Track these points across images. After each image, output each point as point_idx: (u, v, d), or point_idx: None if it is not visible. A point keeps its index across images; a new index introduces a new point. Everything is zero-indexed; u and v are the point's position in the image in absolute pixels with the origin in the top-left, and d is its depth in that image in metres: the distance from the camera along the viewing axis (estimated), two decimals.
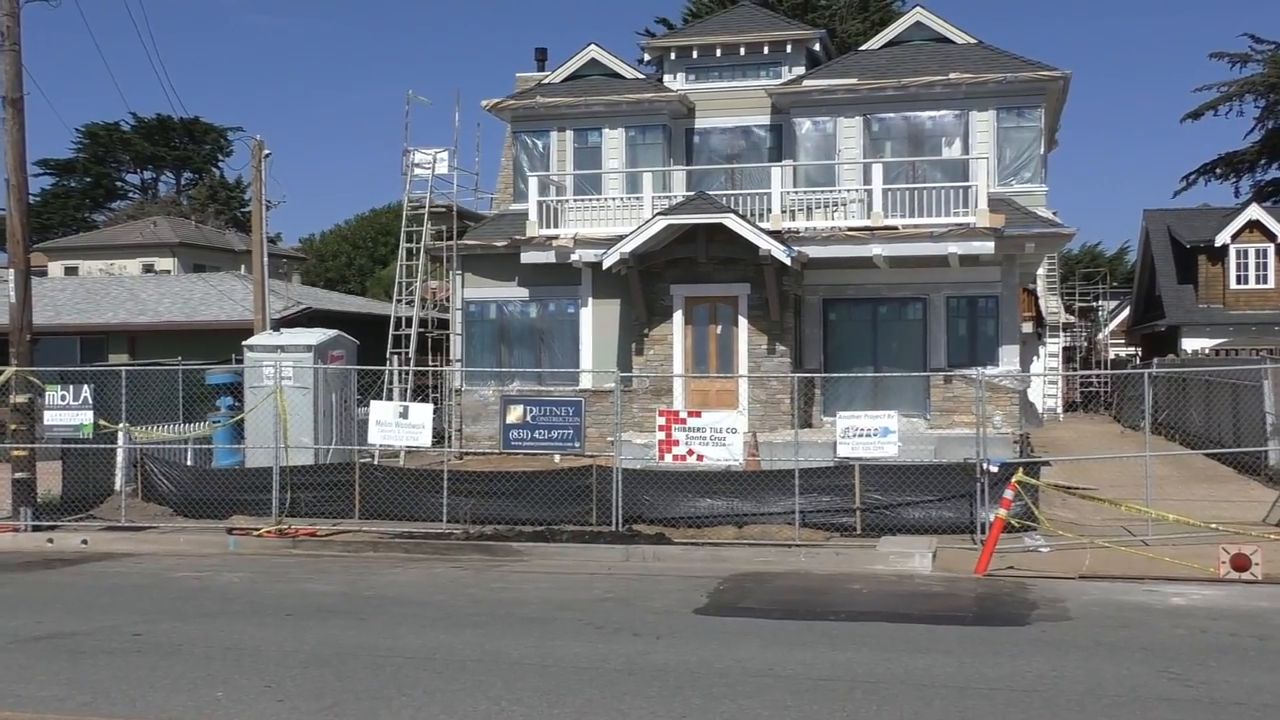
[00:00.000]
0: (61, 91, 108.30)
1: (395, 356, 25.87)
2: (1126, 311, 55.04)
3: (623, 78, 27.39)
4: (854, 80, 25.20)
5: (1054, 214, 24.58)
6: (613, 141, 26.73)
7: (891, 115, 25.40)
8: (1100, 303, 56.61)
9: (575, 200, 25.88)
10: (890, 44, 26.64)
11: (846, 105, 25.32)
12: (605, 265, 23.44)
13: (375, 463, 19.35)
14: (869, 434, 16.29)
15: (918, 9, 26.93)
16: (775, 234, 22.80)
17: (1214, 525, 14.67)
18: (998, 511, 14.18)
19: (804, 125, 25.67)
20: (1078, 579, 13.24)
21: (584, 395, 21.12)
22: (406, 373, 24.87)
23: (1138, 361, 44.95)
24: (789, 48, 26.60)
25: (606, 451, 18.99)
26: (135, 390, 18.20)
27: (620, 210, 25.30)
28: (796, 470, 15.94)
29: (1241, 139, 60.54)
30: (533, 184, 25.38)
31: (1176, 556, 13.68)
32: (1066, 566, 13.81)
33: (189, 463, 20.02)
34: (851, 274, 24.51)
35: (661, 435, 16.76)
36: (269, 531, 16.60)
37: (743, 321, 23.78)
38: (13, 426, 17.80)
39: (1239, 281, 40.53)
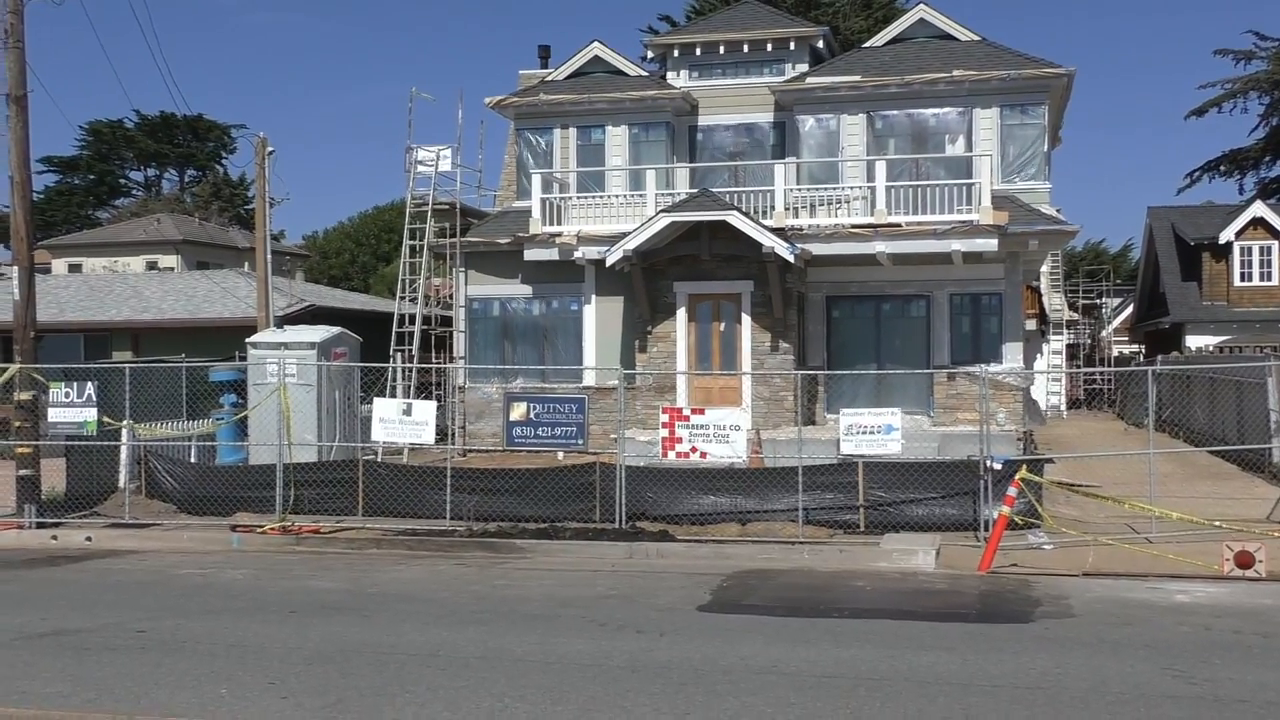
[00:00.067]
0: (65, 89, 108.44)
1: (399, 354, 25.88)
2: (1130, 309, 54.96)
3: (626, 75, 27.38)
4: (857, 77, 25.18)
5: (1058, 211, 24.57)
6: (616, 139, 26.72)
7: (895, 112, 25.38)
8: (1104, 300, 56.58)
9: (578, 198, 25.88)
10: (893, 41, 26.63)
11: (850, 102, 25.31)
12: (608, 262, 23.44)
13: (379, 460, 19.36)
14: (872, 431, 16.28)
15: (921, 6, 26.92)
16: (778, 231, 22.79)
17: (1218, 522, 14.66)
18: (1001, 509, 14.18)
19: (807, 122, 25.65)
20: (1081, 576, 13.24)
21: (587, 392, 21.12)
22: (410, 370, 24.88)
23: (1141, 359, 44.91)
24: (792, 45, 26.59)
25: (610, 449, 18.99)
26: (139, 387, 18.21)
27: (623, 208, 25.30)
28: (800, 467, 15.93)
29: (1246, 136, 60.45)
30: (536, 181, 25.38)
31: (1180, 554, 13.67)
32: (1070, 564, 13.80)
33: (193, 460, 20.04)
34: (855, 271, 24.51)
35: (665, 432, 16.76)
36: (273, 528, 16.62)
37: (746, 319, 23.77)
38: (17, 424, 17.83)
39: (1243, 279, 40.47)
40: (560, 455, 19.77)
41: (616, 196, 25.76)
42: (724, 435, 16.51)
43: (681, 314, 24.12)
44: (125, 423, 18.09)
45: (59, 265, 52.15)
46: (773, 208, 23.78)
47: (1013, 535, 14.62)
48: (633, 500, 16.41)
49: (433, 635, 10.46)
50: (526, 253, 25.19)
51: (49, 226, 63.70)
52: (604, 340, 25.78)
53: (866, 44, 27.67)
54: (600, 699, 8.32)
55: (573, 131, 27.03)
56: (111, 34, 71.63)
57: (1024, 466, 14.97)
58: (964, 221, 22.78)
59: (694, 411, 17.18)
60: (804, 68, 26.37)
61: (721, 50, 26.66)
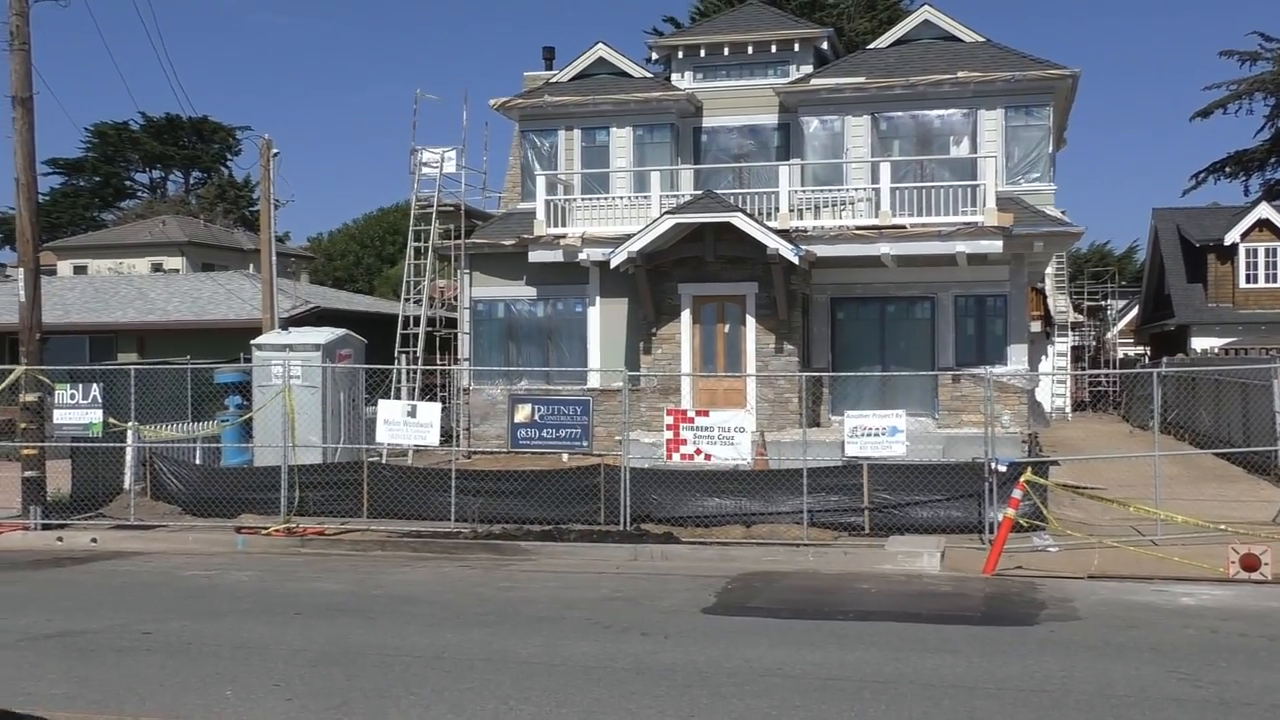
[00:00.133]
0: (70, 91, 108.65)
1: (403, 355, 25.90)
2: (1135, 311, 54.92)
3: (630, 77, 27.39)
4: (862, 79, 25.17)
5: (1062, 213, 24.52)
6: (620, 140, 26.72)
7: (899, 114, 25.36)
8: (1109, 302, 56.51)
9: (583, 199, 25.88)
10: (898, 42, 26.61)
11: (854, 104, 25.29)
12: (613, 264, 23.44)
13: (383, 462, 19.37)
14: (877, 433, 16.27)
15: (926, 7, 26.89)
16: (783, 233, 22.78)
17: (1223, 525, 14.63)
18: (1006, 511, 14.16)
19: (812, 124, 25.63)
20: (1086, 579, 13.22)
21: (592, 394, 21.15)
22: (414, 372, 24.91)
23: (1146, 361, 44.83)
24: (797, 46, 26.58)
25: (614, 450, 18.98)
26: (144, 389, 18.24)
27: (628, 209, 25.29)
28: (805, 469, 15.92)
29: (1251, 137, 60.31)
30: (540, 183, 25.39)
31: (1186, 556, 13.64)
32: (1075, 566, 13.78)
33: (197, 461, 20.06)
34: (859, 273, 24.48)
35: (669, 434, 16.76)
36: (277, 530, 16.63)
37: (750, 320, 23.77)
38: (22, 425, 17.85)
39: (1249, 280, 40.42)
40: (565, 457, 19.79)
41: (621, 198, 25.76)
42: (728, 437, 16.52)
43: (686, 316, 24.12)
44: (130, 424, 18.12)
45: (64, 267, 52.22)
46: (777, 209, 23.77)
47: (1018, 538, 14.60)
48: (637, 502, 16.40)
49: (437, 637, 10.46)
50: (531, 254, 25.20)
51: (54, 228, 63.81)
52: (608, 342, 25.77)
53: (871, 45, 27.65)
54: (605, 701, 8.32)
55: (577, 133, 27.03)
56: (116, 36, 71.79)
57: (1029, 469, 14.95)
58: (969, 223, 22.75)
59: (699, 413, 17.19)
60: (808, 69, 26.36)
61: (726, 52, 26.65)
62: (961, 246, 22.71)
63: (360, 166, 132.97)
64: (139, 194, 74.95)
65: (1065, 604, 11.87)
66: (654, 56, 28.83)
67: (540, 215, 25.11)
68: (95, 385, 18.24)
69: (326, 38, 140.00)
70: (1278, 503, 16.89)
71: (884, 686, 8.65)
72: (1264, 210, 40.55)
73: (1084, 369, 46.86)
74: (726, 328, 24.07)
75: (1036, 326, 35.70)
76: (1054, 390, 39.95)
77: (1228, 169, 56.07)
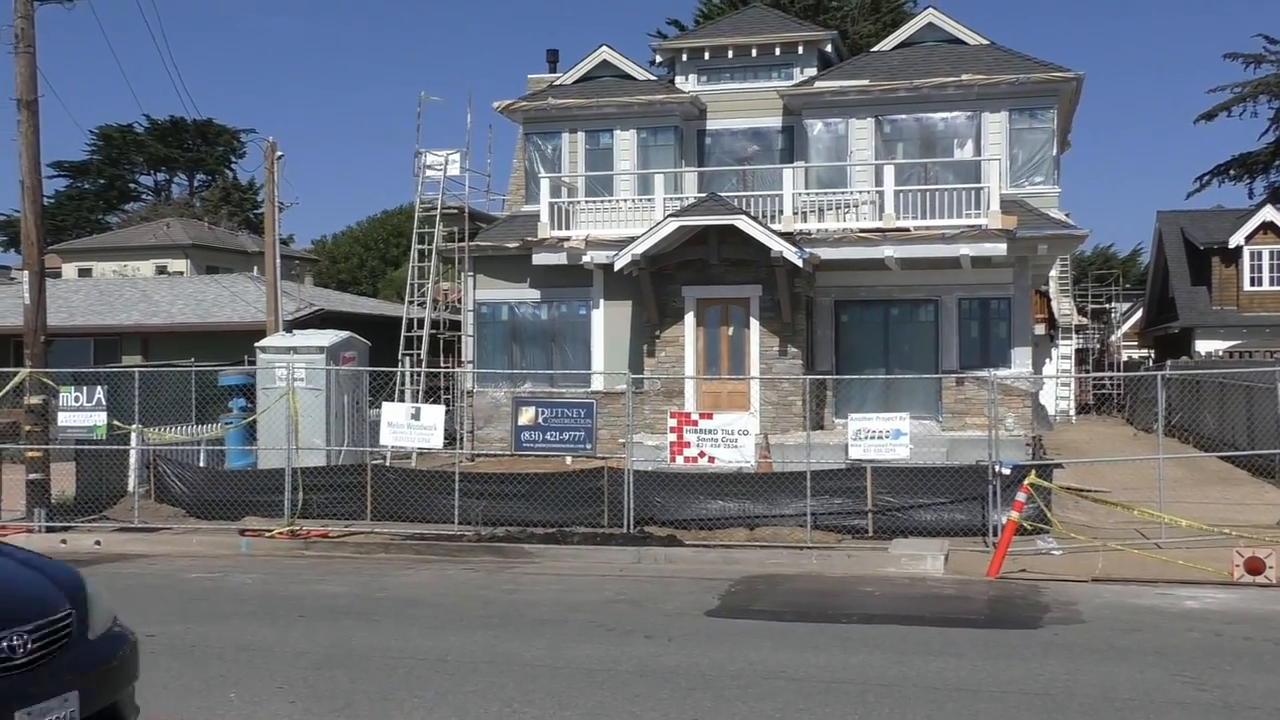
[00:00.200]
0: (75, 94, 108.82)
1: (407, 358, 25.91)
2: (1139, 313, 54.86)
3: (634, 79, 27.41)
4: (866, 81, 25.17)
5: (1066, 215, 24.51)
6: (624, 143, 26.74)
7: (903, 117, 25.37)
8: (1113, 305, 56.45)
9: (587, 202, 25.90)
10: (902, 45, 26.61)
11: (858, 106, 25.30)
12: (617, 267, 23.45)
13: (387, 464, 19.38)
14: (881, 436, 16.27)
15: (930, 10, 26.90)
16: (787, 235, 22.78)
17: (1228, 528, 14.61)
18: (1010, 514, 14.15)
19: (816, 126, 25.64)
20: (1090, 582, 13.20)
21: (595, 397, 21.11)
22: (418, 374, 24.92)
23: (1151, 364, 44.80)
24: (801, 49, 26.59)
25: (618, 453, 18.98)
26: (148, 391, 18.26)
27: (632, 212, 25.31)
28: (808, 472, 15.91)
29: (1255, 140, 60.18)
30: (544, 185, 25.40)
31: (1190, 560, 13.62)
32: (1079, 569, 13.77)
33: (202, 464, 20.08)
34: (863, 276, 24.48)
35: (673, 437, 16.76)
36: (281, 533, 16.64)
37: (754, 323, 23.77)
38: (27, 428, 17.88)
39: (1253, 283, 40.37)
40: (568, 460, 19.78)
41: (625, 201, 25.77)
42: (732, 440, 16.51)
43: (690, 318, 24.12)
44: (134, 427, 18.14)
45: (69, 269, 52.29)
46: (781, 212, 23.78)
47: (1021, 541, 14.59)
48: (641, 505, 16.40)
49: (441, 640, 10.47)
50: (535, 257, 25.21)
51: (59, 231, 63.88)
52: (612, 344, 25.79)
53: (875, 48, 27.65)
54: (608, 704, 8.32)
55: (581, 136, 27.05)
56: (121, 39, 71.88)
57: (1033, 471, 14.94)
58: (973, 226, 22.74)
59: (702, 416, 17.19)
60: (812, 72, 26.38)
61: (730, 54, 26.66)
62: (965, 249, 22.70)
63: (364, 169, 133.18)
64: (143, 197, 75.02)
65: (1069, 607, 11.86)
66: (658, 59, 28.86)
67: (544, 218, 25.12)
68: (100, 388, 18.26)
69: (330, 40, 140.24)
70: None
71: (888, 689, 8.64)
72: (1268, 213, 40.50)
73: (1088, 372, 46.77)
74: (730, 330, 24.07)
75: (1040, 329, 35.70)
76: (1058, 393, 39.92)
77: (1232, 172, 55.96)
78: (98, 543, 16.66)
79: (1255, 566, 13.01)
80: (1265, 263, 40.19)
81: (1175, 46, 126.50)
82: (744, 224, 22.59)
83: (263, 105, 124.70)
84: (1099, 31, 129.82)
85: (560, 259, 25.00)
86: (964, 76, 24.56)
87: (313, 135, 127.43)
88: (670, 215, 23.43)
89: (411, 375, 24.85)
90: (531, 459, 19.62)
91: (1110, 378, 36.50)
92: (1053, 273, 37.76)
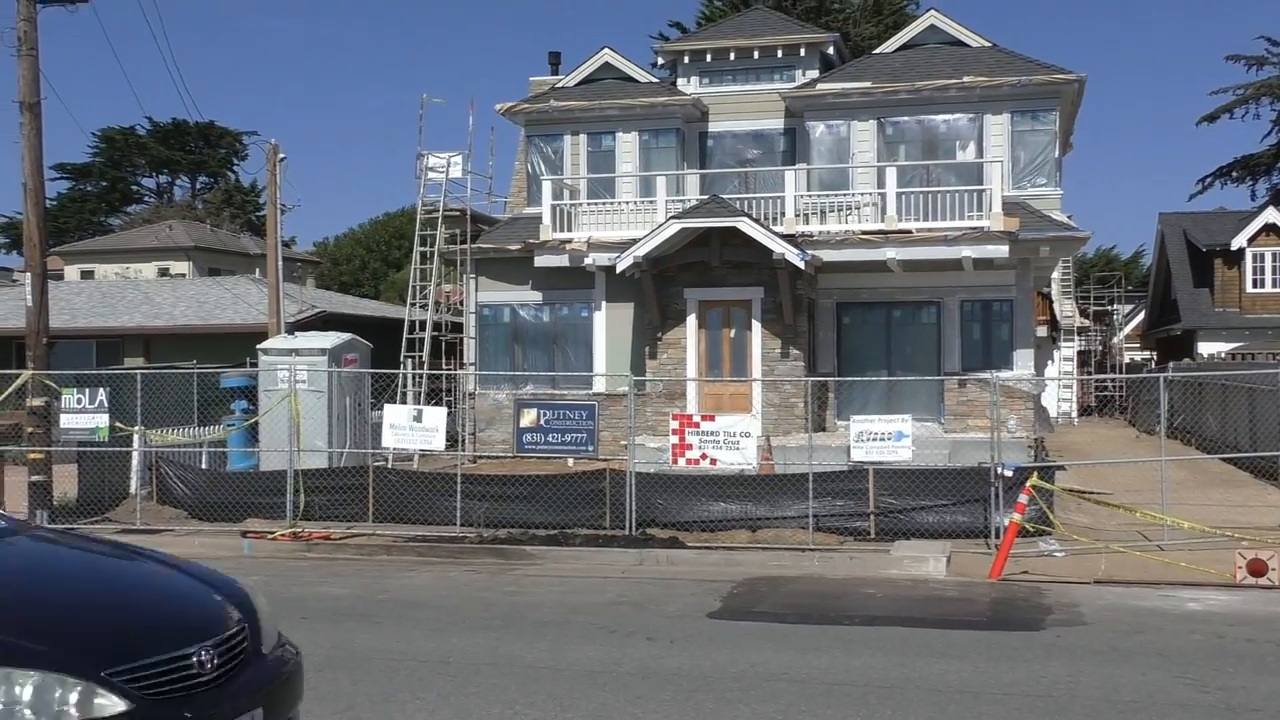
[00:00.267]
0: (78, 96, 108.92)
1: (409, 360, 25.91)
2: (1141, 315, 54.85)
3: (636, 81, 27.42)
4: (868, 84, 25.18)
5: (1069, 217, 24.51)
6: (626, 145, 26.75)
7: (905, 119, 25.37)
8: (1115, 306, 56.47)
9: (589, 204, 25.90)
10: (904, 47, 26.62)
11: (860, 109, 25.30)
12: (618, 269, 23.45)
13: (389, 466, 19.38)
14: (883, 438, 16.26)
15: (932, 12, 26.91)
16: (789, 237, 22.78)
17: (1230, 530, 14.60)
18: (1012, 516, 14.13)
19: (818, 129, 25.64)
20: (1093, 584, 13.19)
21: (597, 399, 21.16)
22: (420, 376, 24.92)
23: (1153, 366, 44.77)
24: (803, 51, 26.60)
25: (620, 455, 18.99)
26: (150, 393, 18.26)
27: (634, 214, 25.31)
28: (810, 474, 15.90)
29: (1258, 142, 60.19)
30: (546, 188, 25.40)
31: (1192, 561, 13.61)
32: (1081, 571, 13.76)
33: (204, 466, 20.09)
34: (865, 278, 24.47)
35: (675, 439, 16.75)
36: (283, 535, 16.64)
37: (756, 325, 23.76)
38: (29, 429, 17.89)
39: (1255, 285, 40.36)
40: (570, 462, 19.79)
41: (627, 203, 25.78)
42: (734, 442, 16.50)
43: (692, 320, 24.11)
44: (137, 428, 18.15)
45: (71, 271, 52.33)
46: (783, 214, 23.78)
47: (1024, 543, 14.57)
48: (643, 507, 16.40)
49: (443, 642, 10.46)
50: (537, 259, 25.21)
51: (62, 233, 63.93)
52: (614, 346, 25.79)
53: (877, 50, 27.67)
54: (610, 706, 8.32)
55: (583, 138, 27.07)
56: (124, 41, 72.00)
57: (1035, 474, 14.92)
58: (975, 228, 22.73)
59: (704, 418, 17.18)
60: (814, 74, 26.38)
61: (732, 56, 26.67)
62: (967, 251, 22.69)
63: (366, 171, 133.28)
64: (146, 199, 75.09)
65: (1071, 609, 11.85)
66: (660, 61, 28.87)
67: (546, 220, 25.13)
68: (102, 389, 18.28)
69: (331, 42, 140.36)
70: None
71: (890, 691, 8.64)
72: (1271, 215, 40.50)
73: (1090, 374, 46.77)
74: (732, 332, 24.07)
75: (1042, 331, 35.68)
76: (1060, 395, 39.92)
77: (1234, 173, 55.94)
78: None
79: (1258, 568, 13.00)
80: (1268, 264, 40.18)
81: (1177, 48, 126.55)
82: (746, 226, 22.58)
83: (264, 107, 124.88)
84: (1101, 33, 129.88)
85: (562, 261, 25.00)
86: (966, 78, 24.56)
87: (315, 137, 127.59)
88: (672, 217, 23.43)
89: (413, 377, 24.85)
90: (533, 461, 19.63)
91: (1112, 380, 36.52)
92: (1055, 274, 37.74)
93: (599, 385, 24.93)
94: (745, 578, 13.91)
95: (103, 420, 18.10)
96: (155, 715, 5.00)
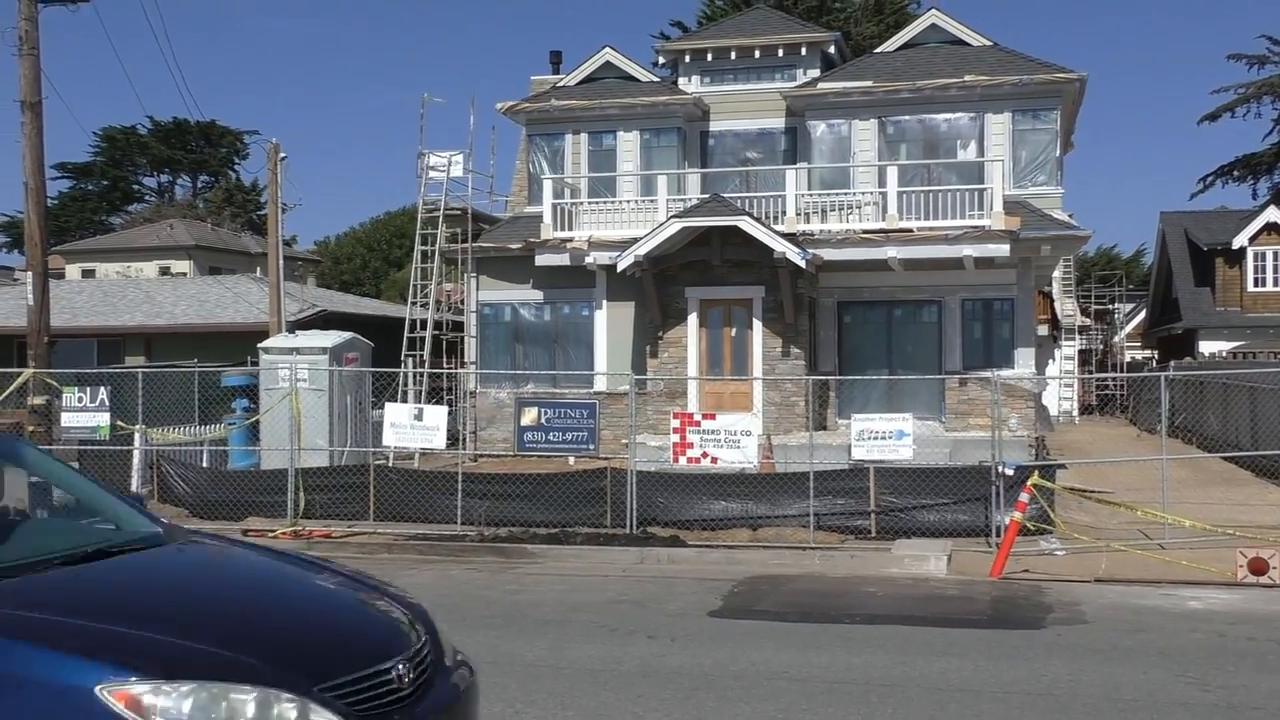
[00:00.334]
0: (79, 95, 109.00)
1: (410, 359, 25.91)
2: (1143, 314, 54.83)
3: (637, 80, 27.42)
4: (869, 83, 25.17)
5: (1070, 216, 24.51)
6: (627, 144, 26.76)
7: (906, 118, 25.37)
8: (1116, 305, 56.43)
9: (590, 203, 25.91)
10: (905, 46, 26.61)
11: (861, 108, 25.30)
12: (619, 268, 23.45)
13: (390, 465, 19.39)
14: (884, 436, 16.26)
15: (933, 11, 26.91)
16: (790, 236, 22.78)
17: (1231, 529, 14.59)
18: (1013, 514, 14.13)
19: (819, 128, 25.64)
20: (1094, 582, 13.19)
21: (598, 398, 21.12)
22: (421, 375, 24.92)
23: (1154, 364, 44.76)
24: (804, 50, 26.60)
25: (621, 454, 18.98)
26: (152, 392, 18.28)
27: (635, 213, 25.31)
28: (811, 473, 15.91)
29: (1259, 141, 60.19)
30: (547, 187, 25.40)
31: (1193, 560, 13.61)
32: (1082, 570, 13.76)
33: (205, 464, 20.10)
34: (866, 276, 24.47)
35: (676, 438, 16.75)
36: (284, 533, 16.64)
37: (757, 324, 23.76)
38: (30, 428, 17.91)
39: (1257, 284, 40.34)
40: (571, 460, 19.78)
41: (628, 202, 25.78)
42: (735, 440, 16.50)
43: (693, 319, 24.12)
44: (138, 427, 18.16)
45: (72, 270, 52.35)
46: (784, 213, 23.77)
47: (1025, 541, 14.57)
48: (644, 505, 16.40)
49: None
50: (538, 258, 25.21)
51: (63, 232, 63.94)
52: (615, 345, 25.79)
53: (878, 49, 27.66)
54: (611, 704, 8.32)
55: (584, 137, 27.07)
56: (124, 40, 71.89)
57: (1036, 472, 14.93)
58: (976, 227, 22.72)
59: (705, 417, 17.19)
60: (815, 73, 26.38)
61: (733, 56, 26.67)
62: (968, 250, 22.68)
63: (367, 170, 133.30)
64: (147, 198, 75.10)
65: (1072, 607, 11.85)
66: (661, 61, 28.86)
67: (547, 219, 25.13)
68: (103, 388, 18.31)
69: (332, 42, 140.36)
70: None
71: (891, 690, 8.64)
72: (1272, 214, 40.47)
73: (1091, 372, 46.75)
74: (733, 331, 24.07)
75: (1043, 330, 35.64)
76: (1061, 394, 39.89)
77: (1236, 172, 55.90)
78: None
79: (1259, 567, 13.00)
80: (1269, 263, 40.17)
81: (1179, 47, 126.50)
82: (747, 225, 22.59)
83: (265, 106, 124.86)
84: (1102, 32, 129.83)
85: (563, 260, 25.00)
86: (967, 77, 24.56)
87: (315, 136, 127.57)
88: (673, 216, 23.43)
89: (414, 376, 24.85)
90: (534, 459, 19.62)
91: (1113, 378, 36.53)
92: (1056, 273, 37.73)
93: (600, 384, 24.93)
94: (746, 576, 13.90)
95: (104, 419, 18.12)
96: None
